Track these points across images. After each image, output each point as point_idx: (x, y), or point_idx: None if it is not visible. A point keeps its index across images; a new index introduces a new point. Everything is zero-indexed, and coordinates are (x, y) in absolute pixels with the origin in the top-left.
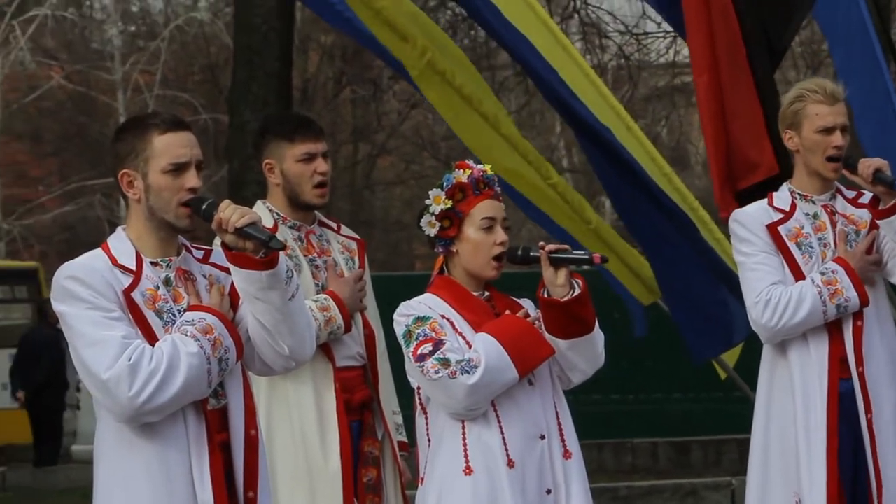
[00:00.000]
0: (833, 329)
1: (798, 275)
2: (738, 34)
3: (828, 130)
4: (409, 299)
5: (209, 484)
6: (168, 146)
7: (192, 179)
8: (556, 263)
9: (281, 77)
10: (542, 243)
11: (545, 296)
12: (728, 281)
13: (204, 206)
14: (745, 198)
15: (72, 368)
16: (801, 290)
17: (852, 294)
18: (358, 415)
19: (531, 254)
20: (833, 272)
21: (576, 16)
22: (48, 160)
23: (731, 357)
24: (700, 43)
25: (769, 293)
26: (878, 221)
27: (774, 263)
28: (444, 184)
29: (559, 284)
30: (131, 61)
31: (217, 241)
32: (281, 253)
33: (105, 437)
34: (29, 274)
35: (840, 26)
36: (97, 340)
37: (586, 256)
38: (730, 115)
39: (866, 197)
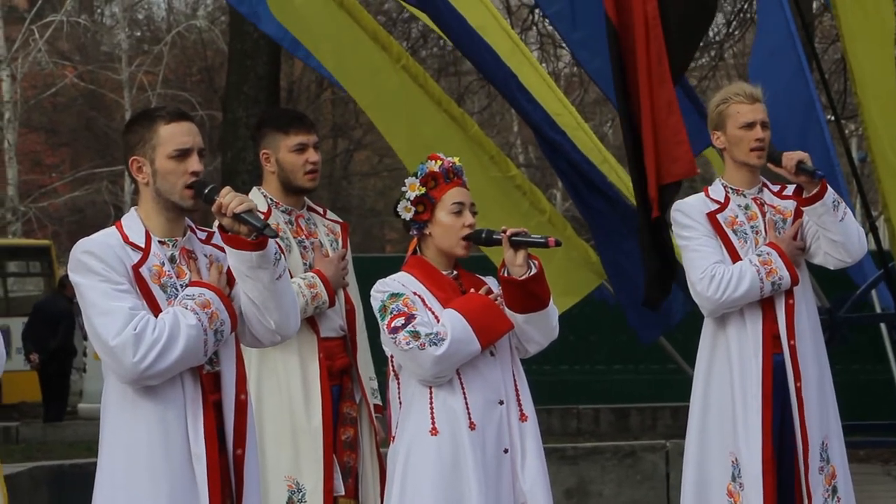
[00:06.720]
0: (767, 307)
1: (735, 257)
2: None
3: (749, 126)
4: (380, 279)
5: (202, 439)
6: (173, 134)
7: (194, 164)
8: (516, 245)
9: (270, 79)
10: (503, 227)
11: (505, 275)
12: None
13: (206, 191)
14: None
15: (79, 336)
16: (741, 268)
17: (785, 273)
18: (338, 380)
19: (494, 236)
20: (767, 254)
21: (534, 28)
22: (61, 150)
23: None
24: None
25: (713, 270)
26: (803, 209)
27: (714, 246)
28: (419, 173)
29: (518, 265)
30: (136, 63)
31: (217, 223)
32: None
33: (111, 396)
34: (42, 251)
35: (771, 38)
36: (107, 310)
37: (542, 240)
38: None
39: (789, 190)
